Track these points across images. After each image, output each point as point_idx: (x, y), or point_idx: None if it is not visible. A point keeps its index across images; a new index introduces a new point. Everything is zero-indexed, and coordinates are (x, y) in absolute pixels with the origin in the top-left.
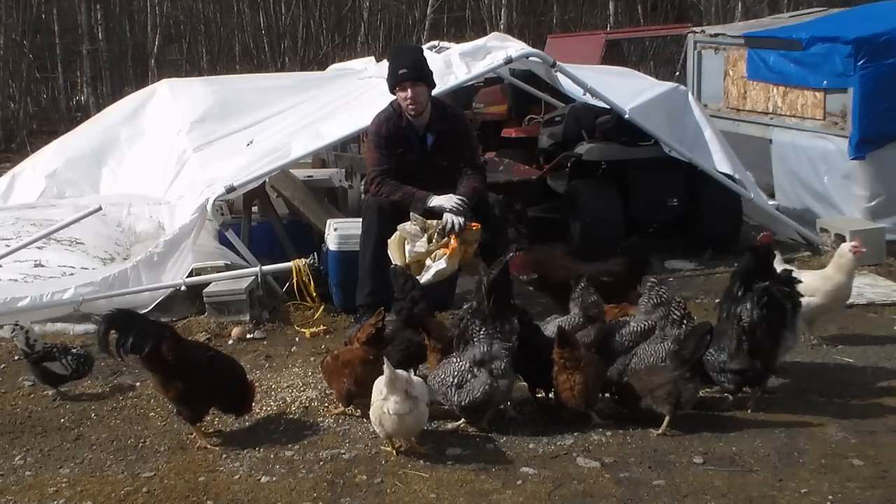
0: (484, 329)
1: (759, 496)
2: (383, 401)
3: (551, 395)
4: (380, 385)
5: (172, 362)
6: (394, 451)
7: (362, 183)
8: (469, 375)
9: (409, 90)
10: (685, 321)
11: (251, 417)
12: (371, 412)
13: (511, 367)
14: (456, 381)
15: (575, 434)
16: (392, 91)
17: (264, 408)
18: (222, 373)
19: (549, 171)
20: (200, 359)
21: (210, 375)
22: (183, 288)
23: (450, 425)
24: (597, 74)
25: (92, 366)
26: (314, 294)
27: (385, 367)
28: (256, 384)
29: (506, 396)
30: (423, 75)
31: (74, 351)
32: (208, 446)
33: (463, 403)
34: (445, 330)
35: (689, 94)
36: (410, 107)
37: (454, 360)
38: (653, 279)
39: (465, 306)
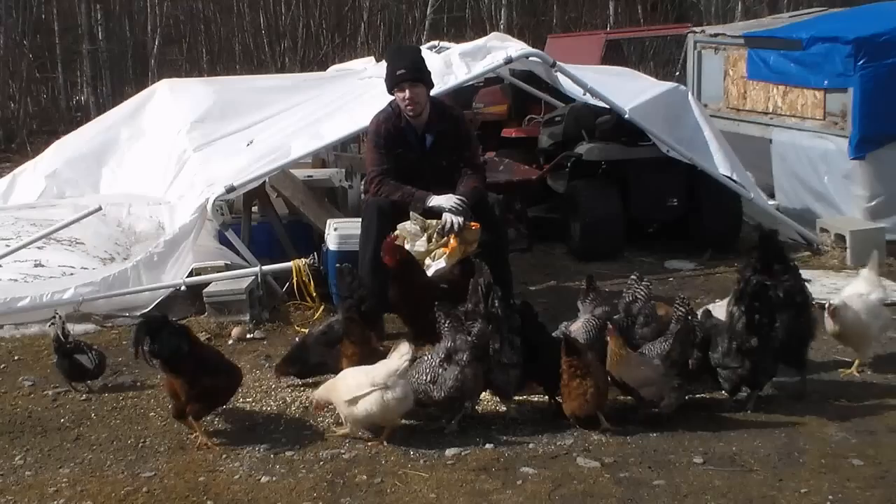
0: (448, 322)
1: (759, 496)
2: (384, 390)
3: (546, 396)
4: (382, 374)
5: (202, 361)
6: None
7: (362, 183)
8: (440, 370)
9: (407, 91)
10: (689, 318)
11: (251, 417)
12: (366, 404)
13: (475, 357)
14: (429, 377)
15: (575, 434)
16: (390, 92)
17: (264, 408)
18: (232, 370)
19: (549, 171)
20: (220, 358)
21: (227, 374)
22: (183, 288)
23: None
24: (597, 74)
25: (105, 366)
26: (314, 294)
27: (401, 352)
28: (256, 384)
29: (476, 386)
30: (421, 75)
31: (96, 348)
32: (209, 444)
33: (439, 398)
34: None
35: (689, 94)
36: (409, 107)
37: (426, 357)
38: (634, 276)
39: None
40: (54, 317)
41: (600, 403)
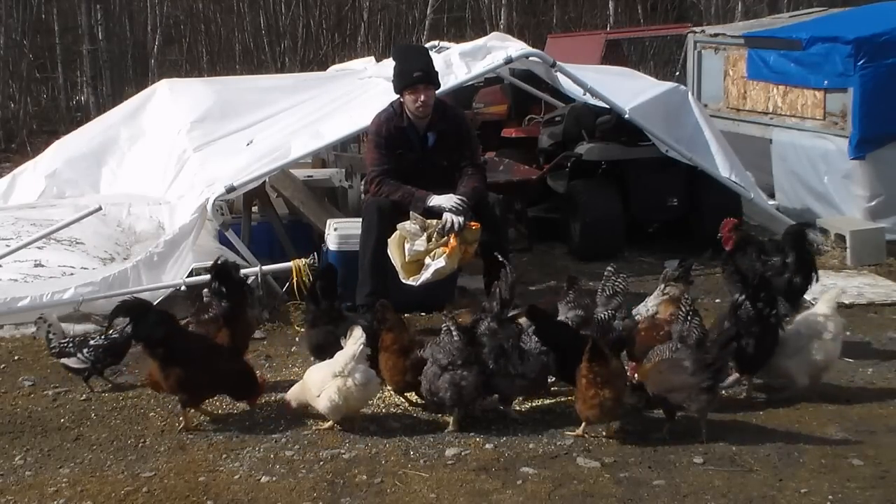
0: (444, 324)
1: (759, 496)
2: (346, 376)
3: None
4: (339, 363)
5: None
6: (327, 426)
7: (362, 183)
8: (432, 376)
9: (421, 93)
10: (689, 317)
11: (251, 417)
12: (328, 394)
13: (467, 361)
14: (429, 386)
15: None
16: (399, 92)
17: (264, 408)
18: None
19: (549, 171)
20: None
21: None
22: (183, 288)
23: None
24: (597, 74)
25: (117, 354)
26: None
27: (356, 337)
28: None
29: (472, 390)
30: (434, 78)
31: (93, 343)
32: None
33: (442, 402)
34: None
35: (689, 94)
36: (420, 109)
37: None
38: (610, 268)
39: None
40: (38, 319)
41: (616, 413)
